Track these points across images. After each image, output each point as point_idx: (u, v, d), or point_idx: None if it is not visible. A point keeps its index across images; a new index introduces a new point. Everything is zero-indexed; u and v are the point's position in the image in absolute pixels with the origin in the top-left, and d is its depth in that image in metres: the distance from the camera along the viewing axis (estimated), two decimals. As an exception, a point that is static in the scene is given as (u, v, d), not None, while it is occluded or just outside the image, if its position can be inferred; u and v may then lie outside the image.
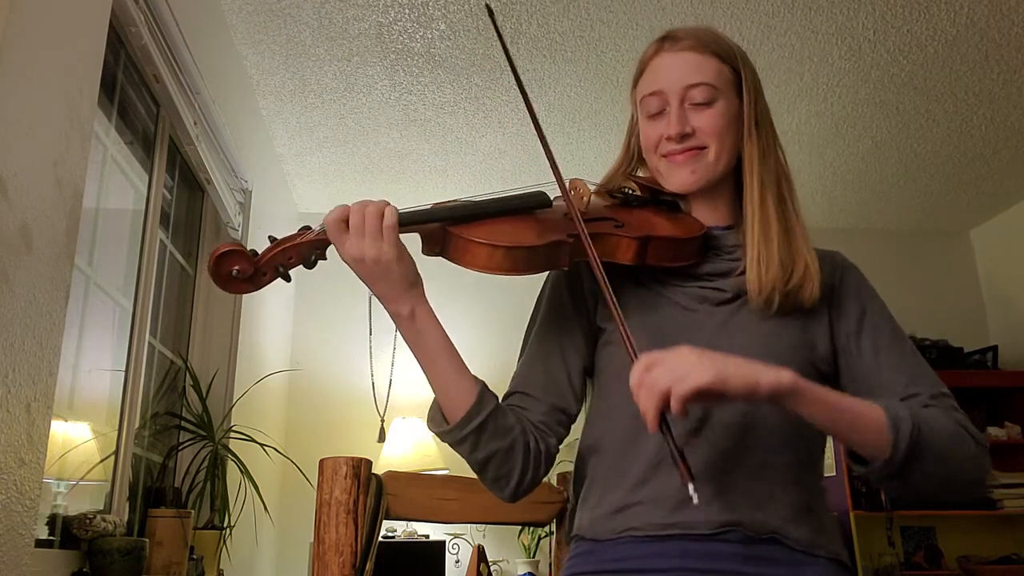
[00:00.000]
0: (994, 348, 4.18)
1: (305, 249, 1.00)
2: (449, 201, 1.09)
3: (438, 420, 1.06)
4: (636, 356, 0.93)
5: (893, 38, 2.96)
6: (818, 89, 3.29)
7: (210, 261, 0.97)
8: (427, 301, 1.03)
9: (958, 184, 4.15)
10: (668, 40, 1.16)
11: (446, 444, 1.07)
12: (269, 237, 1.01)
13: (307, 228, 1.02)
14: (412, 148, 3.72)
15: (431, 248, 1.05)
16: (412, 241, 1.03)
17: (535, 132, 1.13)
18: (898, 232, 4.68)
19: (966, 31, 2.91)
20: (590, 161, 3.76)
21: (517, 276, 1.04)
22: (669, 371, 0.88)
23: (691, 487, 0.87)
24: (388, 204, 1.00)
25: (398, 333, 1.04)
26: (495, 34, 1.11)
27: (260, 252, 0.99)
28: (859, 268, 1.19)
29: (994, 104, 3.40)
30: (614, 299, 0.98)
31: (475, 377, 1.05)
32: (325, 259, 1.02)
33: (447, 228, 1.02)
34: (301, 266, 1.01)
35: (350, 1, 2.73)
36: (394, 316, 1.03)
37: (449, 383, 1.04)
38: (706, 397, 0.89)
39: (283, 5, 2.74)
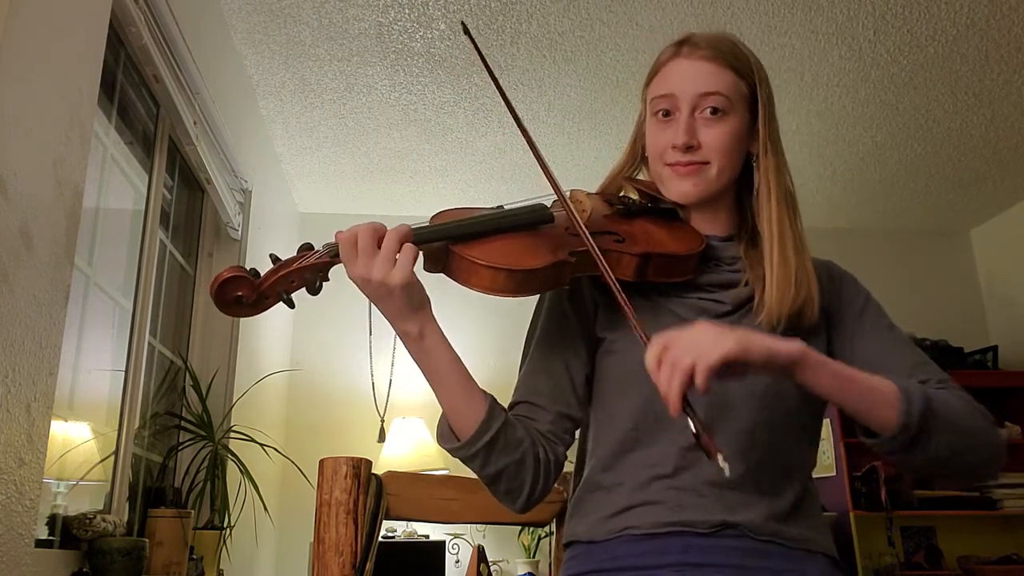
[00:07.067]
0: (994, 348, 4.18)
1: (308, 273, 0.98)
2: (449, 210, 1.08)
3: (448, 437, 1.05)
4: (648, 340, 0.92)
5: (893, 38, 2.96)
6: (818, 89, 3.29)
7: (213, 287, 0.95)
8: (435, 320, 1.02)
9: (958, 184, 4.15)
10: (687, 45, 1.14)
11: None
12: (271, 256, 0.99)
13: (308, 246, 1.00)
14: (412, 148, 3.72)
15: (433, 266, 1.04)
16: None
17: (531, 144, 1.11)
18: (898, 232, 4.68)
19: (966, 31, 2.91)
20: (589, 161, 3.76)
21: (519, 297, 1.04)
22: (691, 347, 0.87)
23: (721, 459, 0.85)
24: (409, 232, 0.98)
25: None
26: (479, 46, 1.09)
27: (262, 275, 0.97)
28: (852, 274, 1.20)
29: (994, 104, 3.40)
30: (630, 306, 0.97)
31: (484, 392, 1.05)
32: (328, 280, 1.00)
33: (450, 247, 1.01)
34: (304, 290, 0.99)
35: (350, 1, 2.73)
36: (402, 336, 1.02)
37: (458, 401, 1.03)
38: (730, 370, 0.88)
39: (283, 5, 2.74)
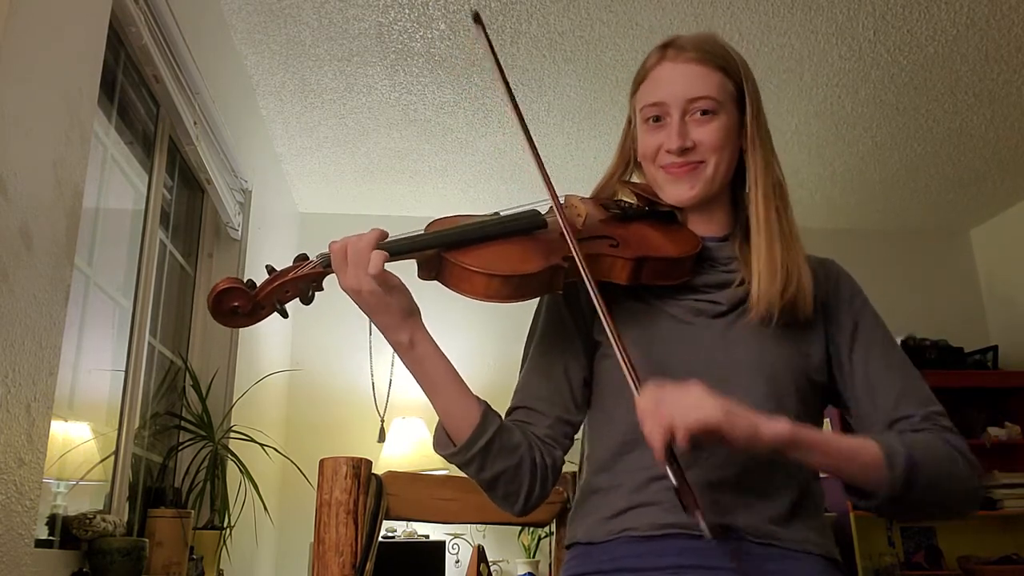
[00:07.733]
0: (994, 348, 4.18)
1: (302, 283, 1.00)
2: (443, 219, 1.09)
3: (444, 443, 1.06)
4: (638, 381, 0.94)
5: (893, 38, 2.96)
6: (818, 89, 3.29)
7: (209, 298, 0.98)
8: (425, 329, 1.04)
9: (958, 184, 4.15)
10: (671, 49, 1.14)
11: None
12: (267, 267, 1.01)
13: (304, 257, 1.02)
14: (412, 148, 3.72)
15: (427, 273, 1.05)
16: (407, 267, 1.03)
17: (530, 147, 1.12)
18: (898, 232, 4.68)
19: (966, 31, 2.91)
20: (589, 161, 3.76)
21: (513, 304, 1.05)
22: (677, 403, 0.90)
23: (698, 516, 0.89)
24: (379, 240, 0.99)
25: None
26: (486, 43, 1.10)
27: (258, 285, 0.99)
28: (852, 275, 1.19)
29: (994, 104, 3.40)
30: (612, 324, 0.99)
31: (477, 398, 1.06)
32: (322, 290, 1.03)
33: (442, 254, 1.02)
34: (298, 300, 1.01)
35: (350, 1, 2.73)
36: (395, 346, 1.04)
37: (452, 406, 1.04)
38: (709, 436, 0.90)
39: (283, 5, 2.74)
